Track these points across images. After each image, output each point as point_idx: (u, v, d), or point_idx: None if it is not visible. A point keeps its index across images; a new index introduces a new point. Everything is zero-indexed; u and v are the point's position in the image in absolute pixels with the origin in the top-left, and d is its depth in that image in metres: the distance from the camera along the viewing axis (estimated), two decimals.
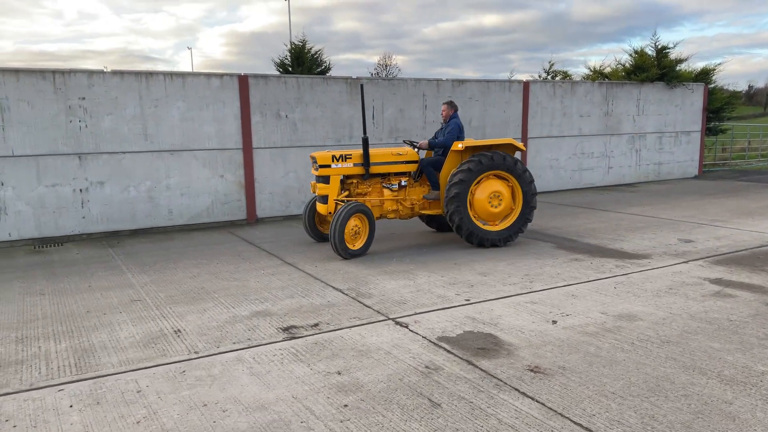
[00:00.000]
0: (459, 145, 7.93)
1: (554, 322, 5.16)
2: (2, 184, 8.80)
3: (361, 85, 8.17)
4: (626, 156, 15.19)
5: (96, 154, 9.30)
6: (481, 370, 4.20)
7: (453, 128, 8.27)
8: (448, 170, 8.10)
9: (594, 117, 14.43)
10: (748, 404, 3.65)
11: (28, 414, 3.66)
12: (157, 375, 4.19)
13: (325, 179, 7.82)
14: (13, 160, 8.81)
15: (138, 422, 3.53)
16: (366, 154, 7.86)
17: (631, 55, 16.21)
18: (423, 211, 8.27)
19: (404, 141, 8.55)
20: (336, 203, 7.80)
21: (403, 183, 8.14)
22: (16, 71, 8.73)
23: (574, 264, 7.13)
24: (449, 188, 7.79)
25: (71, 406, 3.75)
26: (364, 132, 7.75)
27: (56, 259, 8.02)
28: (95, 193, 9.38)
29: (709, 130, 18.25)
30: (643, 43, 48.48)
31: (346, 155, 7.88)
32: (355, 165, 7.91)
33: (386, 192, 8.17)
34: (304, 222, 8.55)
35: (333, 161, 7.80)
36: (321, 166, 7.78)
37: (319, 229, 8.63)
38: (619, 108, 14.80)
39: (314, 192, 8.17)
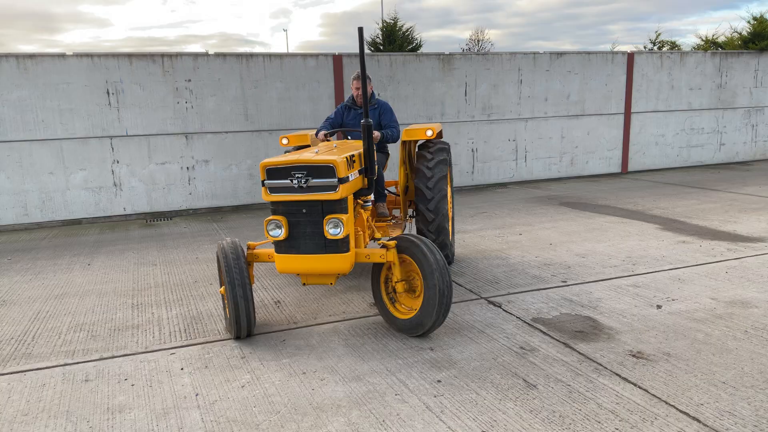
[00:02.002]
0: (428, 133, 5.75)
1: (659, 306, 4.90)
2: (117, 162, 9.49)
3: (360, 29, 4.40)
4: (741, 132, 14.05)
5: (201, 134, 9.79)
6: (579, 353, 4.07)
7: (391, 112, 5.90)
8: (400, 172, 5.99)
9: (705, 90, 13.42)
10: None
11: (144, 374, 3.96)
12: (259, 343, 4.40)
13: None
14: (127, 140, 9.47)
15: (243, 386, 3.73)
16: (370, 154, 4.61)
17: (748, 21, 14.88)
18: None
19: (326, 134, 5.66)
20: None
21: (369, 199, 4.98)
22: (129, 56, 9.33)
23: (681, 246, 6.73)
24: (436, 188, 5.55)
25: (182, 369, 4.02)
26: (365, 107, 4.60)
27: (166, 232, 8.57)
28: (200, 171, 9.91)
29: None
30: (762, 8, 44.32)
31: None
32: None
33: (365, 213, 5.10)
34: None
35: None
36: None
37: None
38: (733, 80, 13.66)
39: None
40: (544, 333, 4.42)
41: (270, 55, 10.00)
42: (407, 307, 4.53)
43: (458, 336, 4.40)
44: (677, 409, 3.33)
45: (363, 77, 4.65)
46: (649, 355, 4.00)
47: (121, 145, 9.47)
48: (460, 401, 3.48)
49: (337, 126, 5.88)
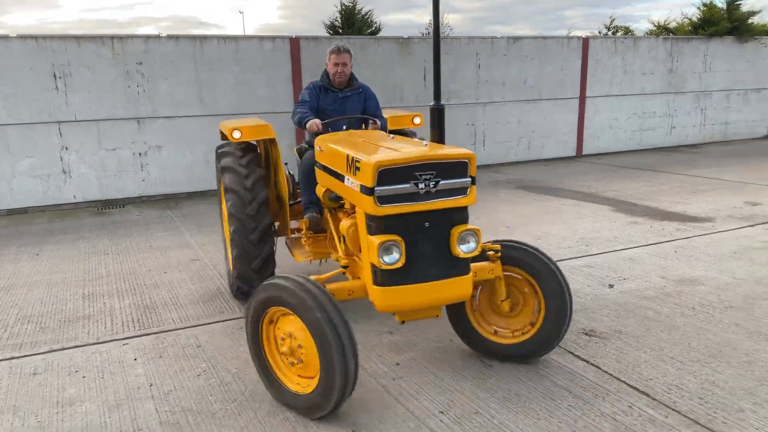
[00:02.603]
0: (416, 120, 5.36)
1: (611, 286, 5.03)
2: (66, 148, 9.16)
3: None
4: (690, 115, 14.47)
5: (153, 119, 9.53)
6: None
7: (376, 99, 5.03)
8: None
9: (657, 75, 13.75)
10: None
11: (95, 366, 3.86)
12: (215, 331, 4.33)
13: None
14: (75, 125, 9.13)
15: (198, 375, 3.67)
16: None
17: (699, 8, 15.29)
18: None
19: (325, 124, 4.56)
20: None
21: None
22: (77, 38, 8.97)
23: (633, 227, 6.90)
24: None
25: (135, 359, 3.93)
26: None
27: (118, 220, 8.34)
28: (154, 157, 9.65)
29: None
30: None
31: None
32: None
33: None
34: None
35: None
36: None
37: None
38: (684, 65, 14.04)
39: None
40: None
41: (225, 38, 9.78)
42: (504, 328, 3.70)
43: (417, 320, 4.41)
44: (628, 384, 3.43)
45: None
46: (601, 333, 4.10)
47: (70, 131, 9.13)
48: (419, 383, 3.50)
49: (314, 111, 4.68)
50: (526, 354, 3.63)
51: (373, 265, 3.10)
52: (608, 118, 13.40)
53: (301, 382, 3.19)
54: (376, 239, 3.02)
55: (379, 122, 4.67)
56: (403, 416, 3.17)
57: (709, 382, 3.42)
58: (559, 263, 5.60)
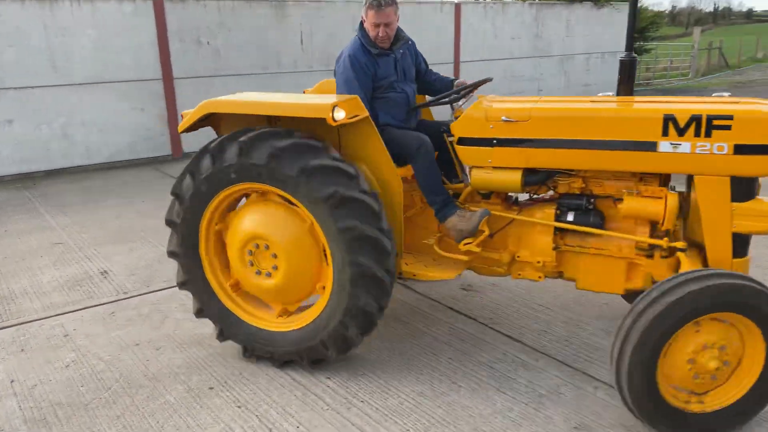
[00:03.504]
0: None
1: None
2: None
3: None
4: (555, 78, 15.37)
5: (1, 90, 8.56)
6: (417, 292, 4.27)
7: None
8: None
9: (524, 39, 14.41)
10: None
11: None
12: (85, 318, 4.04)
13: None
14: None
15: (67, 366, 3.42)
16: None
17: None
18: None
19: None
20: None
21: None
22: None
23: None
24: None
25: None
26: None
27: None
28: (4, 133, 8.70)
29: (636, 50, 18.64)
30: None
31: None
32: None
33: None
34: None
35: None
36: None
37: None
38: (548, 30, 14.82)
39: None
40: None
41: (78, 0, 8.91)
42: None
43: None
44: (502, 333, 3.64)
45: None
46: (477, 287, 4.31)
47: None
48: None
49: (369, 91, 3.47)
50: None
51: None
52: None
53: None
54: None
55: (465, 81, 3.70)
56: (290, 386, 3.15)
57: (574, 324, 3.72)
58: None
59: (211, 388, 3.16)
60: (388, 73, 3.51)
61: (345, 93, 3.41)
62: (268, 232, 3.14)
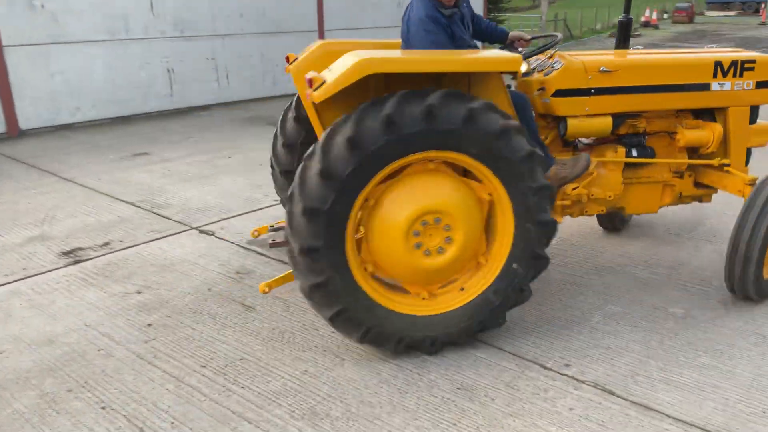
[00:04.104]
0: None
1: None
2: None
3: None
4: None
5: None
6: None
7: None
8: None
9: (386, 9, 14.44)
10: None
11: None
12: None
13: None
14: None
15: None
16: None
17: None
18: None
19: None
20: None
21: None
22: None
23: None
24: None
25: None
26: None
27: None
28: None
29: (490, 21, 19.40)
30: None
31: None
32: None
33: None
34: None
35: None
36: None
37: None
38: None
39: None
40: (260, 254, 4.37)
41: None
42: None
43: (168, 273, 4.07)
44: None
45: None
46: None
47: None
48: (175, 340, 3.25)
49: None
50: None
51: None
52: None
53: None
54: None
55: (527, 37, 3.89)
56: (161, 379, 2.91)
57: None
58: None
59: (69, 391, 2.83)
60: (462, 31, 3.48)
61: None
62: (444, 204, 2.90)
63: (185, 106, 10.91)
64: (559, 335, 3.25)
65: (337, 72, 2.74)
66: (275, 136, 4.02)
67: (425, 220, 2.88)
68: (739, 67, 3.66)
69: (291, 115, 3.89)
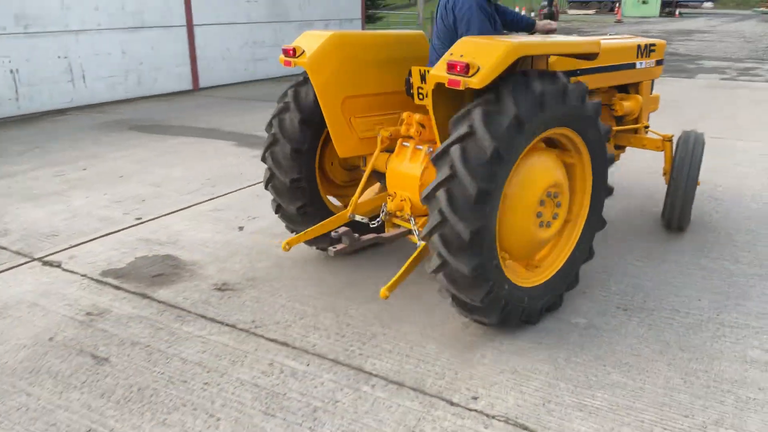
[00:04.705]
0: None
1: (241, 228, 4.70)
2: None
3: None
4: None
5: None
6: (159, 302, 3.54)
7: None
8: None
9: (262, 3, 13.75)
10: (428, 277, 3.79)
11: None
12: None
13: None
14: None
15: None
16: None
17: None
18: None
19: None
20: None
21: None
22: None
23: (256, 160, 6.69)
24: None
25: None
26: None
27: None
28: None
29: (368, 18, 19.29)
30: None
31: None
32: None
33: None
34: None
35: None
36: None
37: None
38: None
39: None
40: (117, 288, 3.72)
41: None
42: None
43: (0, 320, 3.34)
44: (266, 338, 3.15)
45: None
46: (234, 285, 3.74)
47: None
48: (4, 412, 2.59)
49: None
50: None
51: None
52: (220, 49, 12.92)
53: None
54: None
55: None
56: None
57: (344, 313, 3.40)
58: (184, 211, 5.02)
59: None
60: (499, 23, 3.71)
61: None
62: (560, 179, 3.17)
63: (34, 112, 9.64)
64: (463, 361, 2.96)
65: (488, 58, 2.70)
66: (284, 110, 3.74)
67: (549, 192, 3.10)
68: (648, 49, 4.49)
69: (309, 91, 3.64)
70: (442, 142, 2.90)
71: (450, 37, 3.47)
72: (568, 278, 3.34)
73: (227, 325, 3.28)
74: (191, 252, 4.24)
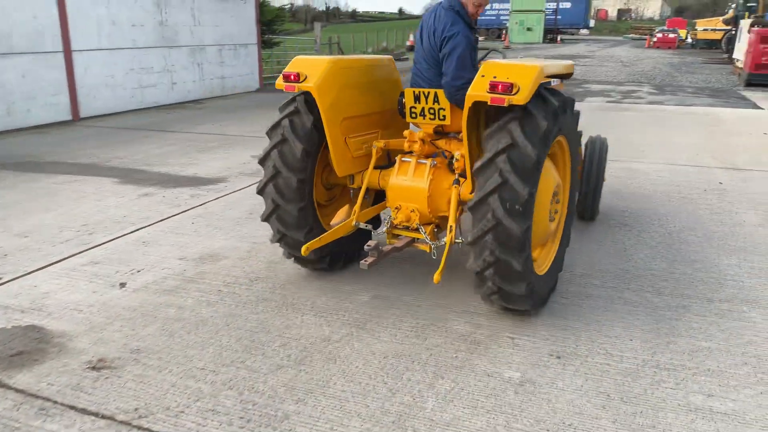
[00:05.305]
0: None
1: (123, 285, 4.06)
2: None
3: None
4: (189, 70, 14.25)
5: None
6: (17, 390, 2.87)
7: None
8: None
9: (148, 27, 12.89)
10: (344, 334, 3.37)
11: None
12: None
13: None
14: None
15: None
16: None
17: None
18: None
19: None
20: None
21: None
22: None
23: (143, 200, 6.01)
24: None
25: None
26: None
27: None
28: None
29: (264, 43, 18.76)
30: None
31: None
32: None
33: None
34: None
35: None
36: None
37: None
38: (173, 17, 13.56)
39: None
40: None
41: None
42: None
43: None
44: (151, 431, 2.59)
45: None
46: (113, 361, 3.13)
47: None
48: None
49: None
50: None
51: None
52: (103, 75, 11.91)
53: None
54: None
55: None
56: None
57: (249, 389, 2.89)
58: (54, 266, 4.23)
59: None
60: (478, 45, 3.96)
61: (461, 66, 3.61)
62: (559, 179, 3.68)
63: None
64: None
65: (525, 78, 3.06)
66: (283, 142, 3.70)
67: (556, 191, 3.57)
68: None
69: (305, 120, 3.69)
70: (471, 153, 3.39)
71: (436, 59, 3.71)
72: (559, 263, 3.83)
73: (104, 417, 2.68)
74: (60, 320, 3.56)
